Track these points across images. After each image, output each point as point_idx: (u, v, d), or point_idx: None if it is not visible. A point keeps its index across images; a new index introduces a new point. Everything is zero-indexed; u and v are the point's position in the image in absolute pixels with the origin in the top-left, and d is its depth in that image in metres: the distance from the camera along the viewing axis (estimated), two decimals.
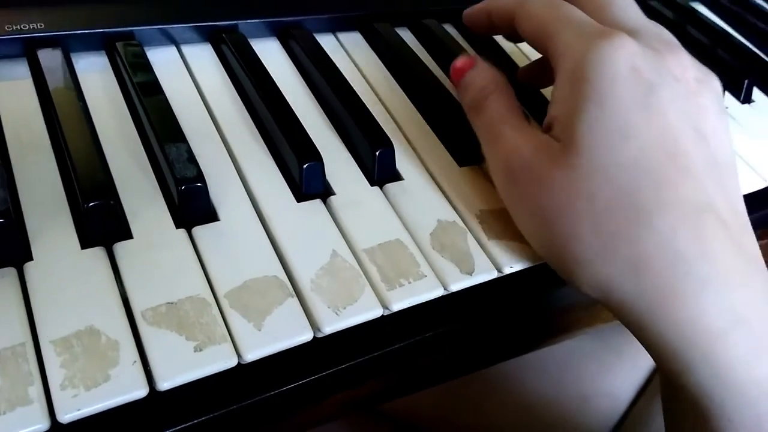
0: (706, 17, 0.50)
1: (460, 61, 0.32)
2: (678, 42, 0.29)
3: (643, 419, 0.53)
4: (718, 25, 0.50)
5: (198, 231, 0.26)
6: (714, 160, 0.26)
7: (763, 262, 0.26)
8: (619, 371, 0.54)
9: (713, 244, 0.24)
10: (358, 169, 0.31)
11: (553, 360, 0.52)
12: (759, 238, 0.28)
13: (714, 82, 0.29)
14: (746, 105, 0.44)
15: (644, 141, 0.25)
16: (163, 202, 0.27)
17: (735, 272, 0.24)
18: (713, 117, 0.27)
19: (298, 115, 0.31)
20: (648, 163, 0.25)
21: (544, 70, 0.35)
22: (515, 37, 0.34)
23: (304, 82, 0.35)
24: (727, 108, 0.43)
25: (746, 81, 0.44)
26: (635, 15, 0.30)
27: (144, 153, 0.28)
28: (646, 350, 0.26)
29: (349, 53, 0.38)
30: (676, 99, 0.26)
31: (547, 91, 0.37)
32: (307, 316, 0.24)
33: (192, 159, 0.27)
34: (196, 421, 0.22)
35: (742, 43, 0.49)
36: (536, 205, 0.27)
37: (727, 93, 0.43)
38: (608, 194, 0.25)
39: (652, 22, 0.30)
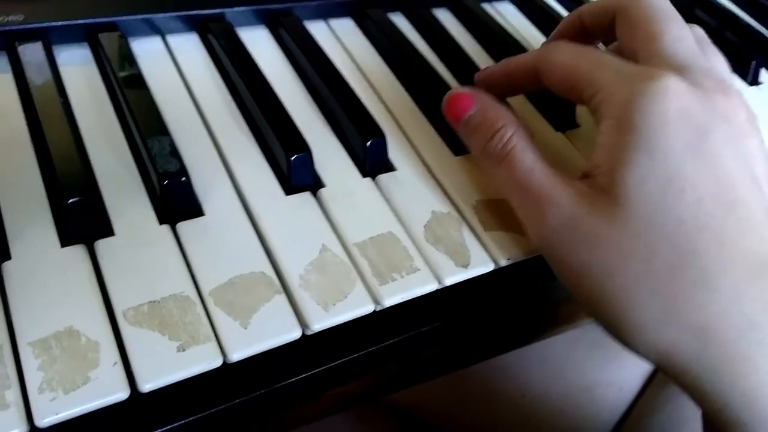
0: None
1: (456, 95, 0.29)
2: (730, 78, 0.27)
3: (650, 410, 0.52)
4: (726, 7, 0.48)
5: (182, 227, 0.25)
6: None
7: None
8: (624, 361, 0.53)
9: None
10: (350, 160, 0.30)
11: (556, 350, 0.52)
12: None
13: (756, 122, 0.27)
14: (754, 87, 0.43)
15: (700, 192, 0.23)
16: (147, 197, 0.26)
17: None
18: (764, 162, 0.26)
19: (287, 106, 0.30)
20: (707, 217, 0.23)
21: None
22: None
23: (294, 71, 0.34)
24: None
25: (754, 62, 0.42)
26: (687, 48, 0.27)
27: (127, 148, 0.28)
28: (706, 418, 0.25)
29: (341, 40, 0.37)
30: (729, 142, 0.24)
31: None
32: (295, 313, 0.23)
33: (175, 153, 0.26)
34: (180, 422, 0.22)
35: (749, 24, 0.48)
36: (584, 265, 0.24)
37: (734, 75, 0.42)
38: (668, 253, 0.23)
39: (706, 53, 0.28)
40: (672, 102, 0.23)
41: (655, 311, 0.23)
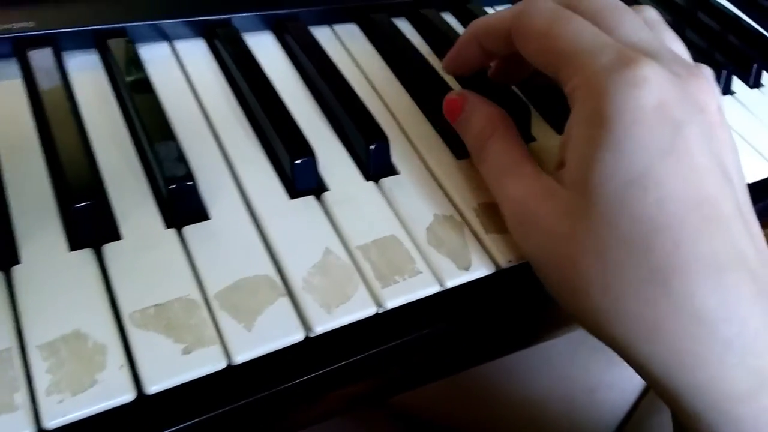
0: (717, 2, 0.49)
1: (450, 99, 0.30)
2: (691, 60, 0.27)
3: (652, 411, 0.52)
4: (728, 10, 0.49)
5: (188, 231, 0.25)
6: (739, 203, 0.24)
7: None
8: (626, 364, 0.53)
9: (739, 304, 0.22)
10: (353, 164, 0.30)
11: (559, 352, 0.52)
12: (763, 226, 0.27)
13: (722, 104, 0.26)
14: (755, 90, 0.43)
15: (665, 191, 0.22)
16: (153, 201, 0.26)
17: (764, 332, 0.22)
18: (732, 150, 0.25)
19: (292, 110, 0.30)
20: (667, 217, 0.22)
21: (516, 66, 0.33)
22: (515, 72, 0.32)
23: (299, 75, 0.34)
24: (734, 93, 0.42)
25: (755, 65, 0.42)
26: (646, 35, 0.26)
27: (134, 152, 0.28)
28: (668, 408, 0.25)
29: (346, 45, 0.37)
30: (702, 137, 0.23)
31: None
32: (298, 315, 0.24)
33: (181, 157, 0.26)
34: (185, 424, 0.22)
35: (753, 27, 0.48)
36: (544, 255, 0.25)
37: (735, 78, 0.42)
38: (618, 251, 0.22)
39: (666, 38, 0.27)
40: (650, 95, 0.23)
41: (605, 306, 0.23)
